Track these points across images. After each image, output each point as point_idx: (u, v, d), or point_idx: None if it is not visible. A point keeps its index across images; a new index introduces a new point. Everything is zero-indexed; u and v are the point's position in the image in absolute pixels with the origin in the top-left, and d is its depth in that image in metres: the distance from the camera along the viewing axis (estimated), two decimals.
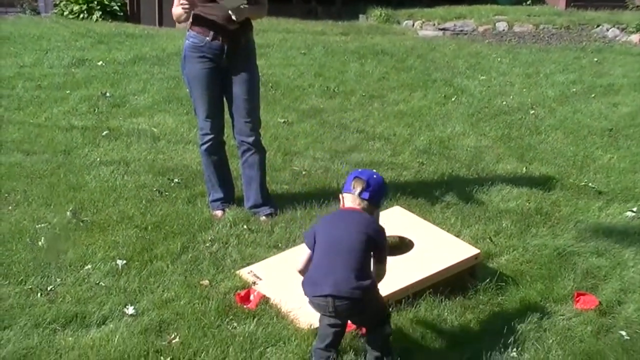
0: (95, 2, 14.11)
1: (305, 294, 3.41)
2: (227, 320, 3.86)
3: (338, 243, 3.40)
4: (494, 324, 3.92)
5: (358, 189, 3.54)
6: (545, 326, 3.91)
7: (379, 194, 3.62)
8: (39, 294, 4.08)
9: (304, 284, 3.42)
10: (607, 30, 13.83)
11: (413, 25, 15.09)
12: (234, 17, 4.84)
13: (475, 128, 7.67)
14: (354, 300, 3.30)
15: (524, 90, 9.41)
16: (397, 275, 4.11)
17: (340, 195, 3.66)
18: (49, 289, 4.14)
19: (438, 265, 4.22)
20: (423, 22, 15.07)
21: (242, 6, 4.80)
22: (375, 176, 3.63)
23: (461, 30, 14.39)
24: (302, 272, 3.49)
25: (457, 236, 4.72)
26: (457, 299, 4.15)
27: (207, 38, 4.95)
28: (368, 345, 3.51)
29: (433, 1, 16.48)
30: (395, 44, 12.38)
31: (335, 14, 16.00)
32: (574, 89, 9.46)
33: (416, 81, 9.76)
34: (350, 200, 3.58)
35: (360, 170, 3.70)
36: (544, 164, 6.54)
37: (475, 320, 3.96)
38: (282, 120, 7.65)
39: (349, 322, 3.51)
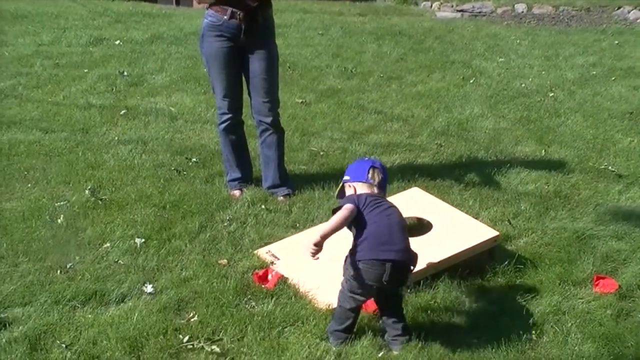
0: None
1: (362, 256, 3.42)
2: (245, 299, 3.87)
3: (394, 221, 3.50)
4: (512, 307, 3.91)
5: (377, 179, 3.64)
6: (564, 309, 3.89)
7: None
8: (58, 271, 4.10)
9: (362, 246, 3.43)
10: (629, 12, 13.70)
11: (431, 6, 15.00)
12: None
13: (493, 110, 7.62)
14: (409, 269, 3.48)
15: (543, 72, 9.34)
16: None
17: (349, 184, 3.68)
18: (68, 266, 4.16)
19: (457, 247, 4.21)
20: (441, 3, 14.98)
21: None
22: (382, 164, 3.77)
23: (479, 12, 14.29)
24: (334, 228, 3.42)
25: (476, 218, 4.70)
26: (475, 281, 4.14)
27: (225, 17, 4.92)
28: (391, 318, 3.54)
29: None
30: (413, 25, 12.32)
31: None
32: (594, 72, 9.38)
33: (434, 62, 9.71)
34: (365, 188, 3.62)
35: (365, 159, 3.78)
36: (563, 147, 6.49)
37: (494, 302, 3.95)
38: (300, 101, 7.63)
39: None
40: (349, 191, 3.67)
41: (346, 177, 3.72)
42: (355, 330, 3.56)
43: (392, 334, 3.53)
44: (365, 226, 3.45)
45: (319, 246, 3.33)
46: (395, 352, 3.48)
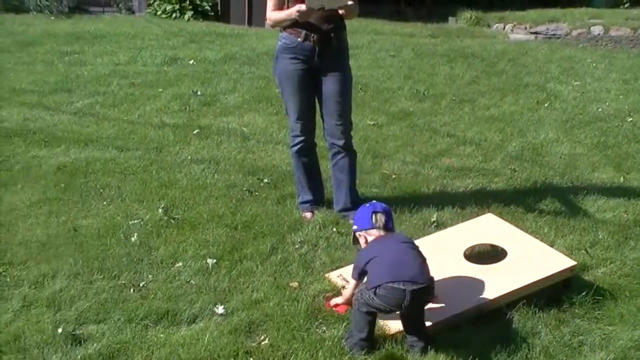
0: (188, 2, 14.36)
1: (376, 282, 3.53)
2: (316, 323, 3.83)
3: (402, 249, 3.66)
4: (591, 340, 3.78)
5: (381, 222, 3.83)
6: None
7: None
8: (131, 290, 4.15)
9: (373, 275, 3.58)
10: None
11: (504, 28, 14.81)
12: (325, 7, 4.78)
13: (569, 135, 7.46)
14: (427, 289, 3.53)
15: (621, 96, 9.11)
16: (489, 285, 4.03)
17: (359, 234, 3.89)
18: (141, 285, 4.20)
19: (532, 276, 4.11)
20: (514, 25, 14.77)
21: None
22: (385, 206, 3.96)
23: (554, 34, 14.05)
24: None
25: (551, 246, 4.58)
26: (552, 311, 4.02)
27: (299, 39, 4.94)
28: (414, 335, 3.62)
29: (524, 4, 16.15)
30: (486, 47, 12.20)
31: (424, 15, 15.84)
32: None
33: (507, 85, 9.58)
34: (374, 232, 3.83)
35: (367, 205, 3.94)
36: None
37: (571, 334, 3.82)
38: (372, 123, 7.61)
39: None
40: (360, 239, 3.90)
41: (354, 227, 3.94)
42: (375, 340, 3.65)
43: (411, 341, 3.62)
44: (375, 262, 3.63)
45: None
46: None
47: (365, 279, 3.66)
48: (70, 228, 4.93)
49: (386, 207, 3.95)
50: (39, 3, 13.93)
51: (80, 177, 5.85)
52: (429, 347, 3.59)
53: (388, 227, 3.85)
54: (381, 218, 3.84)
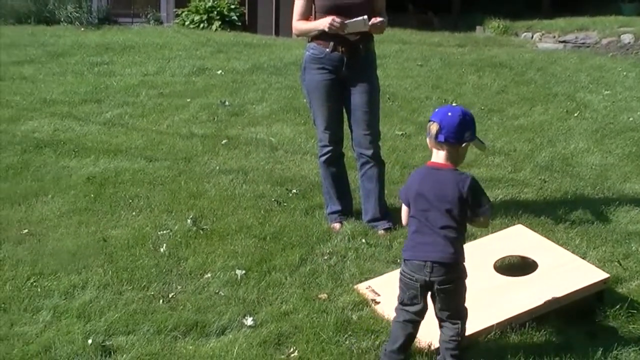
0: (215, 12, 14.41)
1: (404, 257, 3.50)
2: (345, 335, 3.81)
3: (428, 209, 3.42)
4: (625, 354, 3.72)
5: (432, 132, 3.46)
6: None
7: (457, 132, 3.44)
8: (160, 301, 4.16)
9: (404, 248, 3.53)
10: None
11: (532, 37, 14.70)
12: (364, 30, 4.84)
13: (599, 145, 7.38)
14: (448, 266, 3.37)
15: None
16: (521, 297, 4.00)
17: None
18: (170, 296, 4.21)
19: (564, 288, 4.05)
20: (542, 34, 14.65)
21: (364, 23, 4.81)
22: (450, 113, 3.47)
23: (583, 43, 13.92)
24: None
25: (583, 258, 4.52)
26: (585, 324, 3.97)
27: (327, 49, 4.95)
28: (443, 342, 3.48)
29: (553, 12, 16.02)
30: (514, 56, 12.12)
31: (451, 25, 15.77)
32: None
33: (536, 95, 9.49)
34: (431, 145, 3.52)
35: (438, 109, 3.56)
36: None
37: (605, 348, 3.76)
38: (400, 133, 7.58)
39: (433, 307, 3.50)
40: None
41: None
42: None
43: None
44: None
45: None
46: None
47: None
48: (99, 238, 4.96)
49: (446, 117, 3.47)
50: (69, 15, 14.09)
51: (109, 188, 5.89)
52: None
53: (439, 139, 3.46)
54: (431, 129, 3.47)
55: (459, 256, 3.41)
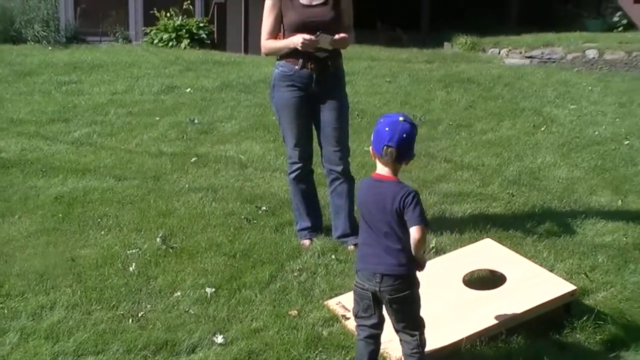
0: (184, 31, 14.39)
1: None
2: (316, 352, 3.81)
3: (371, 221, 3.46)
4: None
5: (392, 156, 3.46)
6: None
7: (411, 153, 3.54)
8: (130, 320, 4.13)
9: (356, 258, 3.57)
10: None
11: (499, 53, 14.84)
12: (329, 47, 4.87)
13: (566, 158, 7.47)
14: (397, 277, 3.36)
15: (617, 120, 9.13)
16: (490, 311, 4.02)
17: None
18: (139, 315, 4.19)
19: (533, 301, 4.09)
20: (509, 50, 14.81)
21: (331, 40, 4.85)
22: (405, 135, 3.46)
23: (549, 58, 14.10)
24: None
25: (551, 270, 4.58)
26: (553, 336, 4.01)
27: (296, 67, 4.98)
28: (405, 356, 3.49)
29: (519, 28, 16.20)
30: (482, 72, 12.24)
31: (420, 41, 15.88)
32: None
33: (504, 110, 9.59)
34: (377, 158, 3.54)
35: (388, 126, 3.50)
36: None
37: (574, 359, 3.81)
38: (369, 149, 7.58)
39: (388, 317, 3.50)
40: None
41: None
42: None
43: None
44: None
45: None
46: None
47: None
48: (68, 258, 4.92)
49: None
50: (36, 34, 13.95)
51: (78, 207, 5.84)
52: None
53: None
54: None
55: (406, 267, 3.40)
